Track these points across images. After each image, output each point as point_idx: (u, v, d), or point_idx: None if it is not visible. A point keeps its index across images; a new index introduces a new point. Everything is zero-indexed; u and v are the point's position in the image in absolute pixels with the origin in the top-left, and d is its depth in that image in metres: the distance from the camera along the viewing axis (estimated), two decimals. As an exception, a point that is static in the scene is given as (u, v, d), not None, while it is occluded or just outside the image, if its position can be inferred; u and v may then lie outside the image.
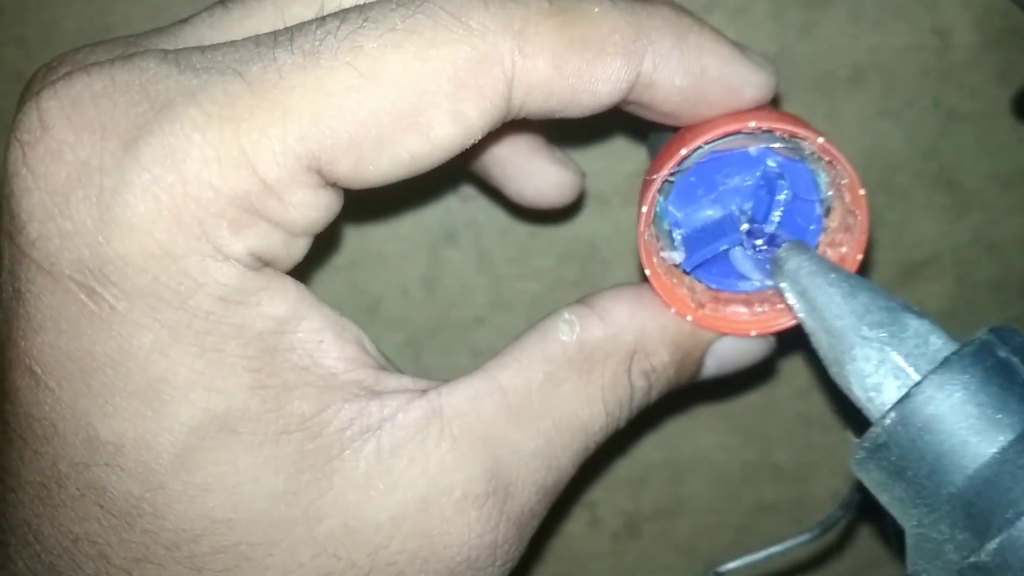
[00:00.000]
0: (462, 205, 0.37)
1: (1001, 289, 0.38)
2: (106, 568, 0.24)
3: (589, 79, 0.23)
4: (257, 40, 0.23)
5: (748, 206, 0.27)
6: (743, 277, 0.28)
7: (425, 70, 0.22)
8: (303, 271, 0.24)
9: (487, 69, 0.22)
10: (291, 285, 0.24)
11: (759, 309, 0.28)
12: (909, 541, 0.21)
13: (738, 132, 0.25)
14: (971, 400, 0.20)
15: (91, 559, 0.24)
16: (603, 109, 0.24)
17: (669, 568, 0.39)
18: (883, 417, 0.21)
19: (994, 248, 0.37)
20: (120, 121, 0.22)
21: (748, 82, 0.25)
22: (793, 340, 0.27)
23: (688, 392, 0.29)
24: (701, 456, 0.39)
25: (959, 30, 0.35)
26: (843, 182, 0.26)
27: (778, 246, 0.26)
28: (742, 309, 0.28)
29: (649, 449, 0.38)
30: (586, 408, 0.26)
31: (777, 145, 0.26)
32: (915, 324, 0.22)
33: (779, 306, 0.28)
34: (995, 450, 0.20)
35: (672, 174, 0.26)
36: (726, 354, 0.28)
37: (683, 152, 0.25)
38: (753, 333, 0.28)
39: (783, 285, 0.25)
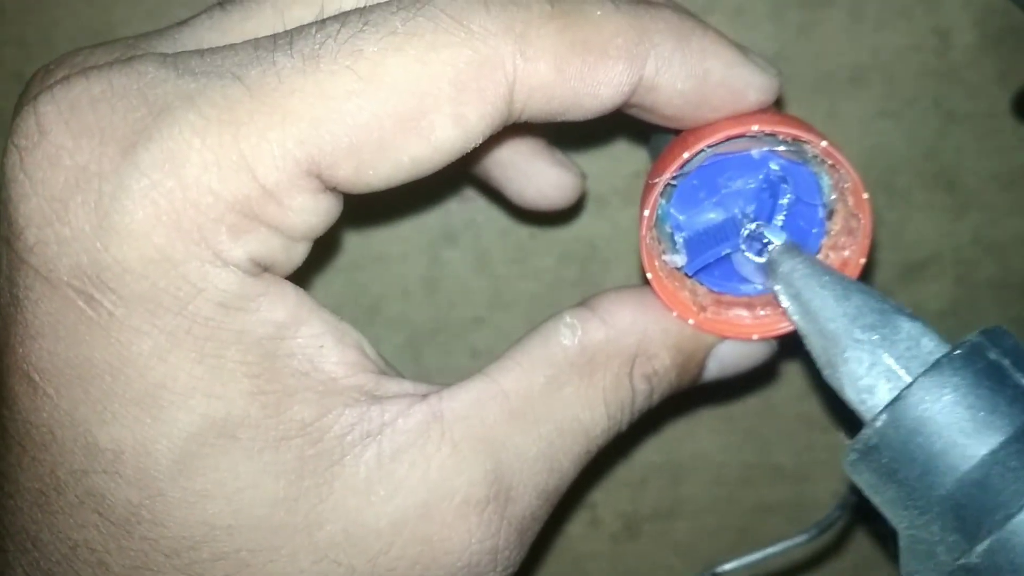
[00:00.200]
0: (462, 206, 0.37)
1: (1001, 289, 0.38)
2: (105, 575, 0.23)
3: (591, 82, 0.23)
4: (256, 43, 0.22)
5: (751, 209, 0.27)
6: (745, 280, 0.28)
7: (426, 73, 0.22)
8: (303, 274, 0.24)
9: (488, 72, 0.22)
10: (291, 290, 0.24)
11: (761, 312, 0.28)
12: (902, 543, 0.21)
13: (741, 136, 0.25)
14: (961, 402, 0.20)
15: (90, 566, 0.23)
16: (605, 112, 0.24)
17: (669, 568, 0.39)
18: (874, 419, 0.21)
19: (994, 248, 0.37)
20: (118, 126, 0.22)
21: (751, 85, 0.25)
22: (795, 343, 0.27)
23: (688, 393, 0.29)
24: (701, 457, 0.39)
25: (959, 30, 0.35)
26: (846, 185, 0.26)
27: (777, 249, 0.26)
28: (744, 312, 0.28)
29: (649, 450, 0.38)
30: (588, 411, 0.26)
31: (780, 148, 0.26)
32: (907, 326, 0.22)
33: (781, 309, 0.27)
34: (985, 452, 0.20)
35: (674, 177, 0.26)
36: (728, 357, 0.28)
37: (685, 156, 0.25)
38: (755, 337, 0.28)
39: (777, 288, 0.25)
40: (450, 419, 0.24)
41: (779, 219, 0.27)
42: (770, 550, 0.28)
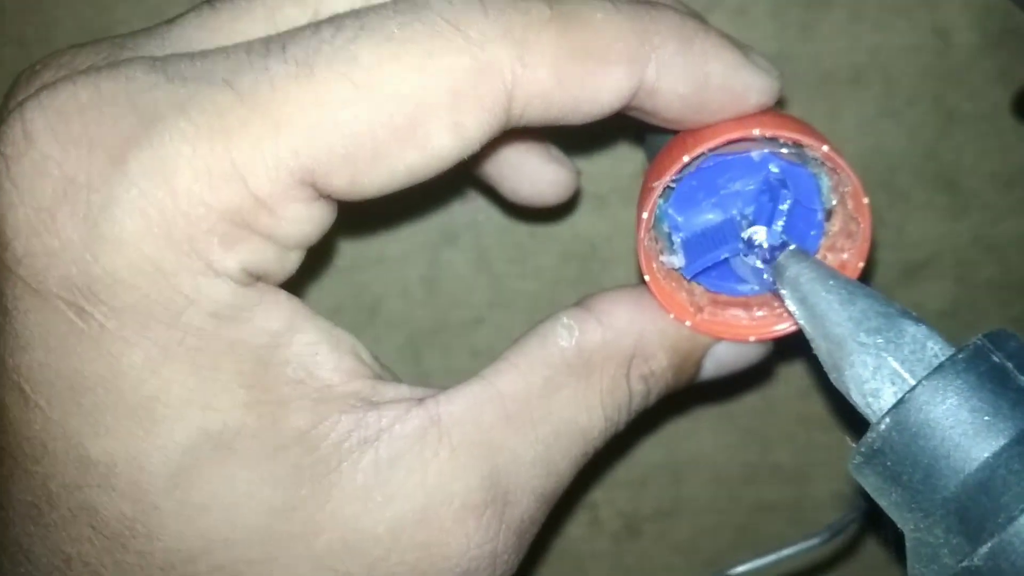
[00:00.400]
0: (462, 205, 0.37)
1: (1001, 289, 0.38)
2: None
3: (591, 88, 0.23)
4: (248, 48, 0.22)
5: (749, 211, 0.27)
6: (742, 280, 0.28)
7: (423, 82, 0.21)
8: (297, 279, 0.24)
9: (487, 80, 0.22)
10: (284, 298, 0.23)
11: (758, 313, 0.28)
12: (908, 545, 0.21)
13: (743, 139, 0.25)
14: (964, 405, 0.20)
15: None
16: (604, 116, 0.24)
17: (669, 568, 0.39)
18: (878, 423, 0.21)
19: (994, 248, 0.37)
20: (107, 134, 0.21)
21: (752, 88, 0.25)
22: (793, 342, 0.27)
23: (688, 393, 0.29)
24: (701, 456, 0.39)
25: (959, 30, 0.35)
26: (846, 189, 0.26)
27: (779, 254, 0.26)
28: (741, 313, 0.28)
29: (649, 450, 0.38)
30: (585, 413, 0.26)
31: (781, 151, 0.26)
32: (912, 330, 0.22)
33: (778, 310, 0.27)
34: (988, 454, 0.20)
35: (673, 179, 0.26)
36: (724, 357, 0.28)
37: (686, 159, 0.25)
38: (752, 339, 0.28)
39: (783, 292, 0.25)
40: (447, 423, 0.24)
41: (779, 224, 0.26)
42: (783, 553, 0.28)
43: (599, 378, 0.26)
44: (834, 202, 0.27)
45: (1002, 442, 0.20)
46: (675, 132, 0.27)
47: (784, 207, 0.26)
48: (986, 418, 0.20)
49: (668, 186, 0.26)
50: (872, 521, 0.22)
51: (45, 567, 0.23)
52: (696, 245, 0.27)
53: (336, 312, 0.37)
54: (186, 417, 0.22)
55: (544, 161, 0.31)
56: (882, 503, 0.22)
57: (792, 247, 0.26)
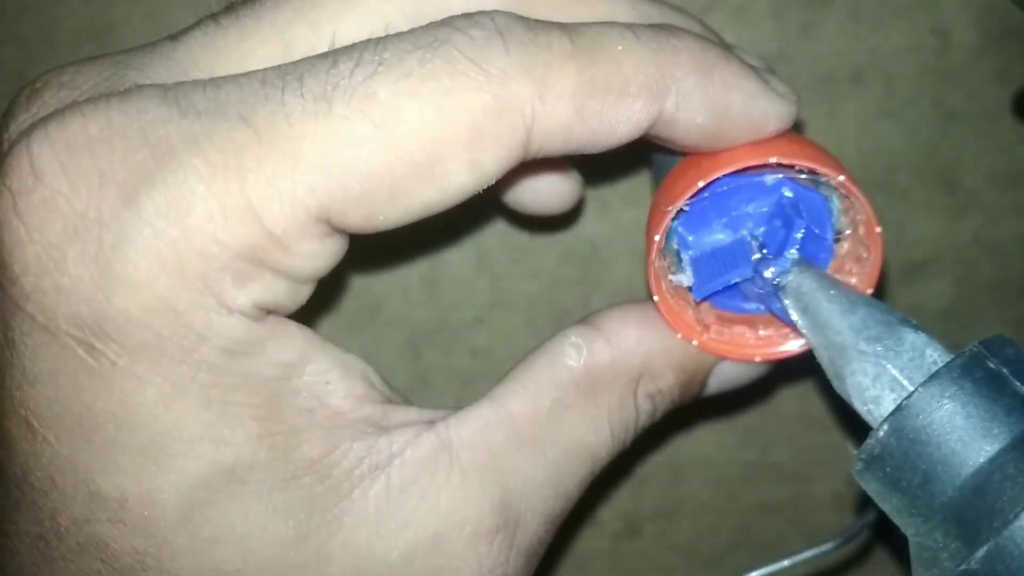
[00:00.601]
0: (462, 206, 0.37)
1: (1001, 289, 0.38)
2: None
3: (610, 121, 0.23)
4: (264, 79, 0.21)
5: (760, 232, 0.27)
6: (747, 299, 0.27)
7: (442, 120, 0.21)
8: (311, 308, 0.24)
9: (506, 117, 0.21)
10: (295, 330, 0.23)
11: (762, 332, 0.28)
12: (911, 550, 0.22)
13: (759, 166, 0.25)
14: (960, 411, 0.21)
15: None
16: (621, 145, 0.23)
17: (669, 568, 0.39)
18: (877, 429, 0.21)
19: (994, 248, 0.37)
20: (119, 170, 0.21)
21: (771, 115, 0.24)
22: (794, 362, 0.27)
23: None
24: (701, 456, 0.39)
25: (959, 30, 0.35)
26: (859, 217, 0.26)
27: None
28: (746, 331, 0.28)
29: (649, 450, 0.38)
30: (593, 433, 0.26)
31: (795, 176, 0.26)
32: (912, 337, 0.22)
33: (783, 329, 0.27)
34: (983, 460, 0.20)
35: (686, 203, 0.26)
36: (728, 374, 0.28)
37: (701, 184, 0.25)
38: (757, 359, 0.28)
39: (787, 301, 0.25)
40: (458, 447, 0.24)
41: (792, 252, 0.26)
42: (797, 558, 0.28)
43: (607, 397, 0.26)
44: (845, 226, 0.27)
45: (997, 447, 0.20)
46: (685, 153, 0.26)
47: (799, 235, 0.26)
48: (982, 423, 0.20)
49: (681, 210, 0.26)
50: (883, 526, 0.23)
51: None
52: (705, 265, 0.27)
53: (336, 312, 0.37)
54: (198, 452, 0.22)
55: (547, 170, 0.30)
56: (884, 508, 0.22)
57: (796, 258, 0.26)
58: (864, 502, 0.23)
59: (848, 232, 0.27)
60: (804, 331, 0.25)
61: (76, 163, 0.21)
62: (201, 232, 0.21)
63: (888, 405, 0.22)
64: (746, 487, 0.39)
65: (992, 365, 0.21)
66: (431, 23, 0.22)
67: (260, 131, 0.21)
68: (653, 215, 0.26)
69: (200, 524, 0.22)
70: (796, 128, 0.26)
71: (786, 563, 0.28)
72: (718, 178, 0.25)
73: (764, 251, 0.26)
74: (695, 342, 0.27)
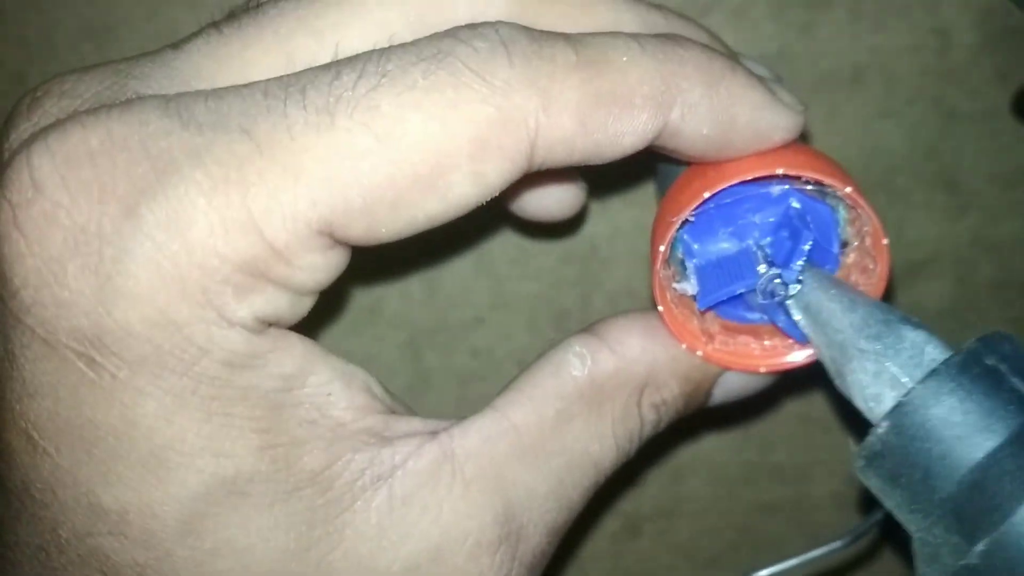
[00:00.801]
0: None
1: (1001, 289, 0.38)
2: None
3: (614, 133, 0.22)
4: (266, 91, 0.21)
5: (766, 242, 0.27)
6: (751, 309, 0.27)
7: (446, 133, 0.21)
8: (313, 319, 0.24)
9: (510, 130, 0.21)
10: (297, 342, 0.23)
11: (767, 342, 0.28)
12: (914, 546, 0.22)
13: (765, 177, 0.25)
14: (958, 407, 0.21)
15: None
16: (625, 157, 0.23)
17: (670, 568, 0.39)
18: (877, 426, 0.22)
19: (994, 248, 0.37)
20: (120, 183, 0.20)
21: (778, 127, 0.24)
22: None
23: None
24: (701, 456, 0.39)
25: (959, 30, 0.35)
26: (866, 228, 0.26)
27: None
28: (751, 341, 0.28)
29: (649, 449, 0.38)
30: (597, 444, 0.26)
31: (802, 187, 0.26)
32: (911, 335, 0.23)
33: (788, 340, 0.27)
34: (981, 455, 0.20)
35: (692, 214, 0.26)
36: (732, 385, 0.28)
37: (706, 195, 0.25)
38: (763, 369, 0.27)
39: (789, 302, 0.25)
40: (461, 458, 0.24)
41: (799, 264, 0.26)
42: (805, 556, 0.28)
43: (611, 408, 0.26)
44: (851, 236, 0.27)
45: (995, 442, 0.20)
46: (690, 162, 0.26)
47: (806, 247, 0.26)
48: (980, 419, 0.21)
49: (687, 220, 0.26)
50: (890, 525, 0.23)
51: None
52: (710, 274, 0.27)
53: (336, 312, 0.37)
54: (199, 465, 0.22)
55: (553, 180, 0.30)
56: (887, 504, 0.22)
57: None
58: (871, 501, 0.23)
59: (854, 243, 0.27)
60: (806, 330, 0.25)
61: (77, 175, 0.21)
62: (202, 245, 0.20)
63: (888, 402, 0.22)
64: (746, 487, 0.39)
65: (990, 362, 0.21)
66: (435, 34, 0.22)
67: (262, 144, 0.21)
68: (658, 225, 0.26)
69: (201, 536, 0.22)
70: (802, 137, 0.26)
71: (794, 562, 0.28)
72: (724, 189, 0.25)
73: (771, 261, 0.26)
74: (700, 352, 0.27)
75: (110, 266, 0.20)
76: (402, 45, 0.22)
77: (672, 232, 0.25)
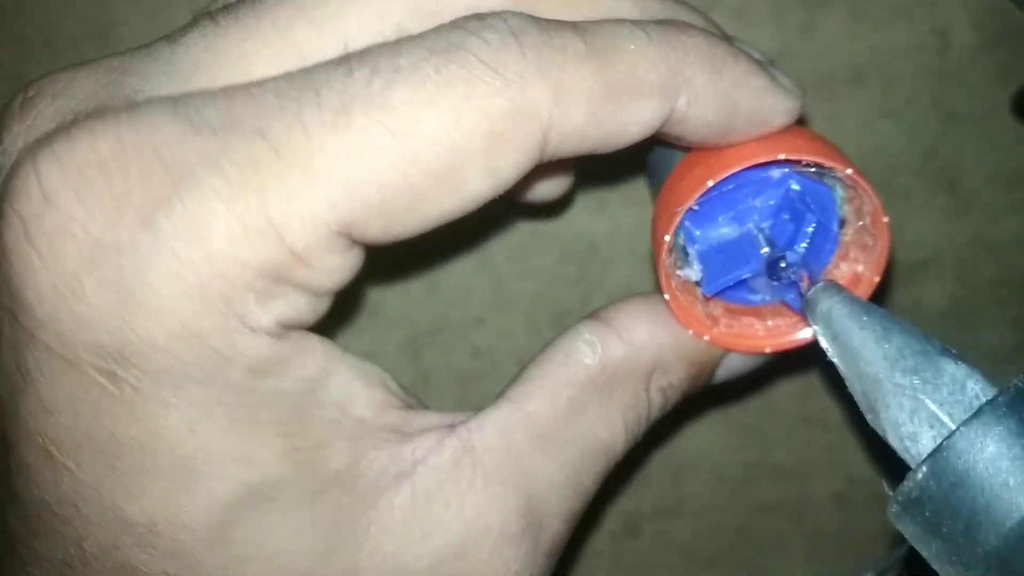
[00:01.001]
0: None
1: (1001, 289, 0.38)
2: None
3: (623, 122, 0.22)
4: (277, 91, 0.21)
5: (766, 225, 0.27)
6: (753, 291, 0.28)
7: (460, 127, 0.21)
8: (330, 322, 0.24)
9: (523, 122, 0.21)
10: (317, 344, 0.23)
11: (770, 323, 0.28)
12: None
13: (768, 163, 0.25)
14: (1006, 453, 0.19)
15: None
16: (630, 145, 0.23)
17: (670, 567, 0.39)
18: (915, 471, 0.20)
19: (994, 248, 0.37)
20: (135, 192, 0.20)
21: (779, 111, 0.25)
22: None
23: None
24: (701, 455, 0.39)
25: (959, 30, 0.35)
26: (866, 207, 0.26)
27: (800, 272, 0.26)
28: (755, 322, 0.28)
29: (649, 448, 0.38)
30: (608, 430, 0.26)
31: (803, 169, 0.26)
32: (951, 369, 0.21)
33: (792, 319, 0.27)
34: None
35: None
36: (734, 363, 0.29)
37: (710, 183, 0.25)
38: (768, 350, 0.28)
39: (816, 328, 0.24)
40: (480, 451, 0.24)
41: (802, 246, 0.26)
42: None
43: (621, 394, 0.26)
44: (848, 214, 0.27)
45: None
46: (686, 148, 0.26)
47: (809, 229, 0.26)
48: None
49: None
50: (915, 558, 0.22)
51: None
52: (713, 259, 0.27)
53: (336, 312, 0.36)
54: (226, 473, 0.22)
55: (551, 168, 0.30)
56: (923, 553, 0.21)
57: (825, 281, 0.25)
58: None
59: (853, 220, 0.27)
60: (835, 360, 0.24)
61: (89, 186, 0.20)
62: (223, 253, 0.20)
63: (927, 443, 0.21)
64: (746, 487, 0.39)
65: None
66: (442, 26, 0.22)
67: (278, 146, 0.20)
68: (661, 214, 0.26)
69: (231, 544, 0.22)
70: (799, 120, 0.26)
71: None
72: (727, 176, 0.25)
73: (773, 245, 0.26)
74: (706, 337, 0.27)
75: (130, 280, 0.20)
76: (411, 39, 0.22)
77: (676, 222, 0.25)
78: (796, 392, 0.38)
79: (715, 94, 0.23)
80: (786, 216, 0.27)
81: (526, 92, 0.21)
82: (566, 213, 0.37)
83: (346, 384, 0.23)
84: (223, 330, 0.21)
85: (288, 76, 0.21)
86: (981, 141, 0.36)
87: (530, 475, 0.25)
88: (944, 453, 0.20)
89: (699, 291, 0.27)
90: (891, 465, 0.22)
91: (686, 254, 0.27)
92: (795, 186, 0.26)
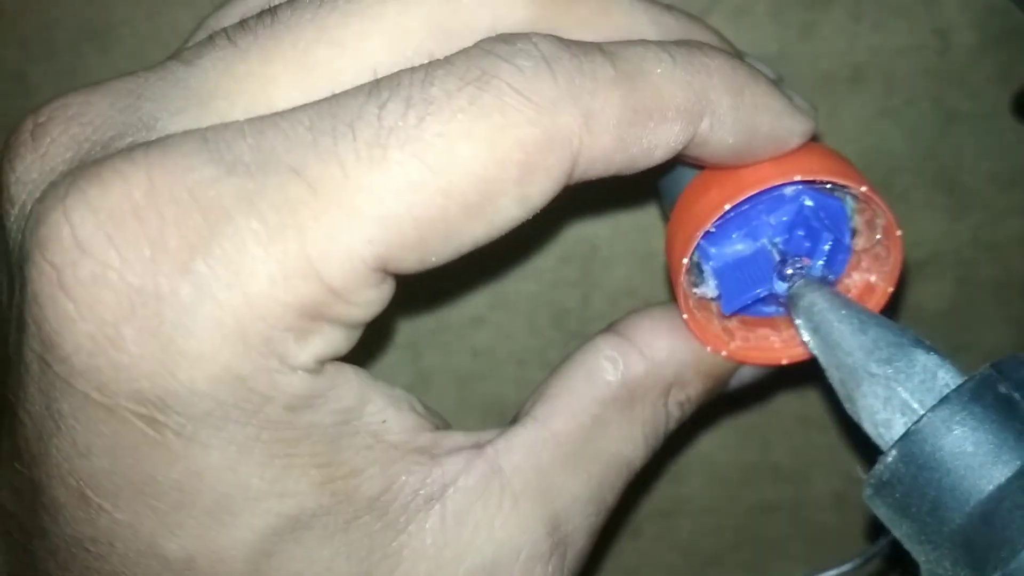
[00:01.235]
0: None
1: (1001, 289, 0.38)
2: None
3: (648, 146, 0.22)
4: (310, 125, 0.20)
5: (779, 240, 0.27)
6: (767, 303, 0.28)
7: (494, 158, 0.21)
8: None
9: (555, 150, 0.21)
10: (352, 374, 0.23)
11: (785, 334, 0.28)
12: None
13: (785, 185, 0.25)
14: (969, 437, 0.20)
15: None
16: (653, 166, 0.23)
17: (670, 567, 0.39)
18: (885, 454, 0.21)
19: (994, 248, 0.37)
20: (171, 237, 0.20)
21: (795, 132, 0.25)
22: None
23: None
24: (701, 456, 0.39)
25: (959, 30, 0.35)
26: (879, 221, 0.26)
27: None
28: (770, 334, 0.28)
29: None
30: (630, 445, 0.26)
31: (816, 187, 0.26)
32: (923, 359, 0.22)
33: None
34: (992, 487, 0.20)
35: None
36: (746, 373, 0.29)
37: (727, 207, 0.25)
38: (784, 361, 0.28)
39: (798, 322, 0.25)
40: (508, 472, 0.24)
41: (820, 263, 0.26)
42: None
43: (641, 409, 0.26)
44: (859, 225, 0.27)
45: (1007, 474, 0.20)
46: (699, 166, 0.26)
47: (826, 248, 0.26)
48: (991, 450, 0.20)
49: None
50: (900, 547, 0.23)
51: None
52: (729, 276, 0.27)
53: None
54: (264, 507, 0.22)
55: None
56: (895, 533, 0.22)
57: (805, 278, 0.26)
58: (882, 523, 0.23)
59: (864, 232, 0.27)
60: (815, 352, 0.25)
61: (124, 233, 0.20)
62: (263, 296, 0.20)
63: (899, 429, 0.22)
64: (746, 487, 0.39)
65: (1003, 389, 0.21)
66: (472, 51, 0.21)
67: (314, 184, 0.20)
68: (677, 236, 0.26)
69: (268, 574, 0.22)
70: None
71: None
72: (745, 198, 0.25)
73: (788, 262, 0.26)
74: (724, 353, 0.27)
75: (171, 328, 0.20)
76: (441, 65, 0.21)
77: (694, 244, 0.26)
78: (796, 393, 0.38)
79: (737, 118, 0.23)
80: (801, 232, 0.27)
81: (558, 119, 0.21)
82: (566, 213, 0.37)
83: (379, 411, 0.23)
84: (263, 371, 0.20)
85: (318, 107, 0.21)
86: (981, 141, 0.36)
87: (556, 494, 0.25)
88: (912, 437, 0.21)
89: (714, 307, 0.27)
90: (859, 430, 0.23)
91: (700, 271, 0.27)
92: (808, 202, 0.26)
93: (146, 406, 0.20)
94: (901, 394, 0.22)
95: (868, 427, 0.23)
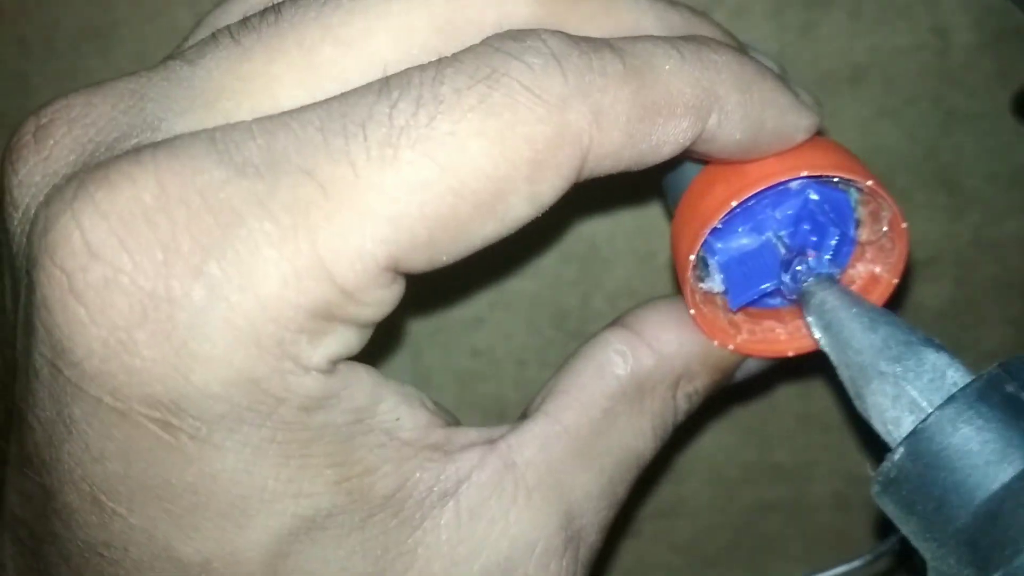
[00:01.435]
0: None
1: (1001, 289, 0.38)
2: None
3: (657, 142, 0.22)
4: (321, 125, 0.20)
5: (784, 233, 0.27)
6: (773, 296, 0.28)
7: (505, 156, 0.21)
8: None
9: (565, 147, 0.21)
10: (364, 373, 0.23)
11: (790, 326, 0.28)
12: (928, 574, 0.22)
13: (790, 180, 0.25)
14: (976, 436, 0.21)
15: None
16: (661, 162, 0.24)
17: (669, 567, 0.39)
18: (894, 451, 0.22)
19: (994, 248, 0.37)
20: (183, 241, 0.19)
21: (801, 128, 0.25)
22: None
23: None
24: (700, 455, 0.39)
25: (959, 30, 0.35)
26: (884, 213, 0.26)
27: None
28: (776, 326, 0.28)
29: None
30: (640, 438, 0.27)
31: (822, 181, 0.26)
32: (933, 358, 0.22)
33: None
34: (997, 486, 0.20)
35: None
36: (752, 363, 0.29)
37: (734, 203, 0.25)
38: (791, 353, 0.28)
39: (809, 320, 0.26)
40: (522, 467, 0.25)
41: (827, 256, 0.27)
42: (828, 573, 0.29)
43: (651, 402, 0.27)
44: (863, 216, 0.27)
45: (1012, 473, 0.20)
46: (704, 161, 0.26)
47: (833, 242, 0.26)
48: (997, 449, 0.20)
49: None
50: (909, 544, 0.23)
51: None
52: (734, 270, 0.27)
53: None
54: (280, 508, 0.22)
55: None
56: (903, 530, 0.22)
57: (817, 276, 0.26)
58: (873, 504, 0.23)
59: (868, 222, 0.27)
60: (826, 349, 0.25)
61: (135, 237, 0.20)
62: (276, 298, 0.20)
63: (907, 427, 0.22)
64: (746, 487, 0.39)
65: (1010, 388, 0.21)
66: (480, 48, 0.21)
67: (325, 185, 0.20)
68: (683, 232, 0.26)
69: (284, 574, 0.22)
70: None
71: None
72: (751, 195, 0.25)
73: (795, 256, 0.27)
74: (731, 346, 0.27)
75: (184, 331, 0.20)
76: (449, 63, 0.21)
77: (701, 241, 0.26)
78: (796, 392, 0.38)
79: (744, 114, 0.23)
80: (806, 226, 0.27)
81: (568, 117, 0.21)
82: (566, 213, 0.37)
83: (392, 410, 0.23)
84: (277, 372, 0.20)
85: (327, 107, 0.21)
86: (981, 141, 0.36)
87: (569, 488, 0.25)
88: (920, 435, 0.21)
89: (719, 301, 0.27)
90: (859, 431, 0.23)
91: (706, 265, 0.27)
92: (813, 195, 0.26)
93: (159, 410, 0.20)
94: (910, 392, 0.22)
95: (877, 425, 0.23)
